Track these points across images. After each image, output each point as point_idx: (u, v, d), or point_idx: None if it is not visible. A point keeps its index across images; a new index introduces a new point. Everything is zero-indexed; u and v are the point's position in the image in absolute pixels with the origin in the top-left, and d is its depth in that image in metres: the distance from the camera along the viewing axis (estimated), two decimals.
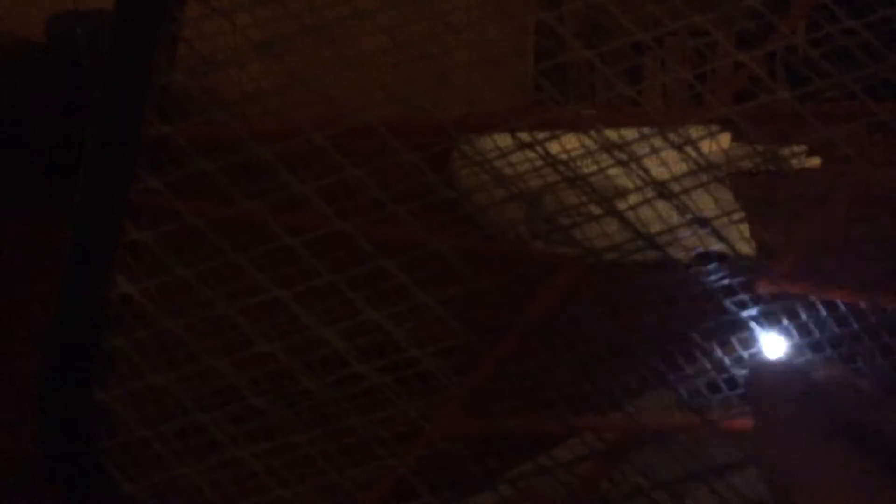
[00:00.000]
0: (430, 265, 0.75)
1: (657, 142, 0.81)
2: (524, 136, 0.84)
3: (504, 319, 0.94)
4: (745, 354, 0.82)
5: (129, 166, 0.67)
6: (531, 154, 0.85)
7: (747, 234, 1.16)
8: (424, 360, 0.71)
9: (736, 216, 0.90)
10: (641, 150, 0.81)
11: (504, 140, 0.94)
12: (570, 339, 0.88)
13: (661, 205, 0.81)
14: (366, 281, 0.72)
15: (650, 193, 0.86)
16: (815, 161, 1.67)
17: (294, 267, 0.71)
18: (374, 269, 0.71)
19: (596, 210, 0.80)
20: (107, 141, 0.67)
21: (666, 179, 0.92)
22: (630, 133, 0.84)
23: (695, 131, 0.93)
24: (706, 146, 1.06)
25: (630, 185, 0.85)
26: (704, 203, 0.91)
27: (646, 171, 0.78)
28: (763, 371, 0.50)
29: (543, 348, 0.85)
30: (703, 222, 0.79)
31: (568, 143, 0.97)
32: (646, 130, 0.83)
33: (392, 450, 0.79)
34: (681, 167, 0.86)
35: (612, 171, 0.86)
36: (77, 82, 3.17)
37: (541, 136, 0.84)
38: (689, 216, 0.76)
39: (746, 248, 1.10)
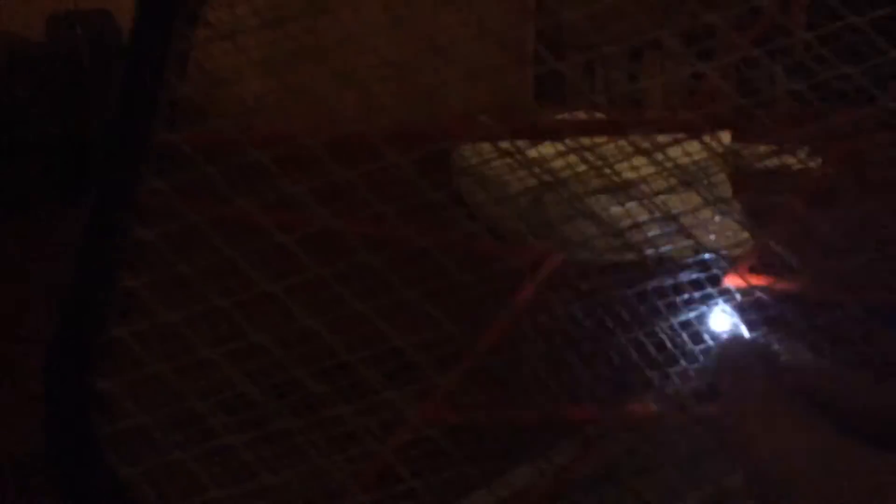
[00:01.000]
0: (420, 262, 0.79)
1: (629, 147, 0.84)
2: (521, 145, 0.87)
3: (487, 313, 0.98)
4: (713, 345, 0.85)
5: (138, 171, 0.71)
6: (531, 157, 0.88)
7: (723, 229, 1.19)
8: (409, 352, 0.75)
9: (706, 213, 0.93)
10: (611, 152, 0.85)
11: (505, 147, 0.97)
12: (548, 332, 0.91)
13: (634, 205, 0.85)
14: (358, 278, 0.75)
15: (630, 194, 0.90)
16: (815, 161, 1.70)
17: (289, 265, 0.75)
18: (365, 267, 0.75)
19: (568, 210, 0.83)
20: (120, 150, 0.71)
21: (649, 178, 0.96)
22: (604, 142, 0.87)
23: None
24: (692, 147, 1.10)
25: (604, 184, 0.88)
26: (677, 201, 0.94)
27: (616, 172, 0.82)
28: (731, 349, 0.50)
29: (523, 341, 0.88)
30: (674, 220, 0.83)
31: (545, 149, 1.00)
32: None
33: (378, 438, 0.83)
34: (653, 168, 0.90)
35: (581, 169, 0.90)
36: (77, 82, 3.20)
37: (548, 144, 0.88)
38: (657, 214, 0.79)
39: (715, 244, 1.13)
